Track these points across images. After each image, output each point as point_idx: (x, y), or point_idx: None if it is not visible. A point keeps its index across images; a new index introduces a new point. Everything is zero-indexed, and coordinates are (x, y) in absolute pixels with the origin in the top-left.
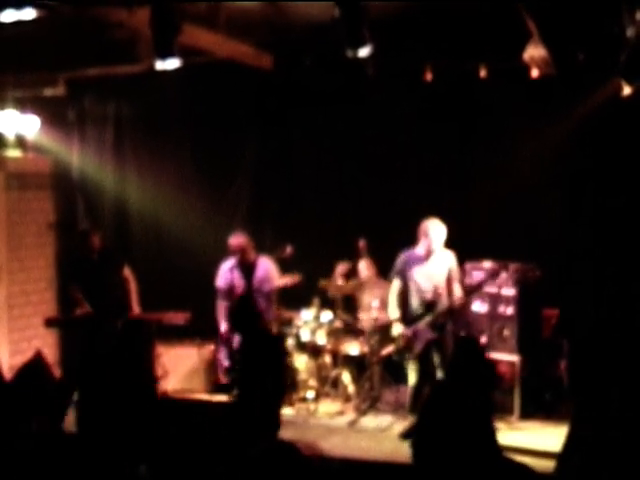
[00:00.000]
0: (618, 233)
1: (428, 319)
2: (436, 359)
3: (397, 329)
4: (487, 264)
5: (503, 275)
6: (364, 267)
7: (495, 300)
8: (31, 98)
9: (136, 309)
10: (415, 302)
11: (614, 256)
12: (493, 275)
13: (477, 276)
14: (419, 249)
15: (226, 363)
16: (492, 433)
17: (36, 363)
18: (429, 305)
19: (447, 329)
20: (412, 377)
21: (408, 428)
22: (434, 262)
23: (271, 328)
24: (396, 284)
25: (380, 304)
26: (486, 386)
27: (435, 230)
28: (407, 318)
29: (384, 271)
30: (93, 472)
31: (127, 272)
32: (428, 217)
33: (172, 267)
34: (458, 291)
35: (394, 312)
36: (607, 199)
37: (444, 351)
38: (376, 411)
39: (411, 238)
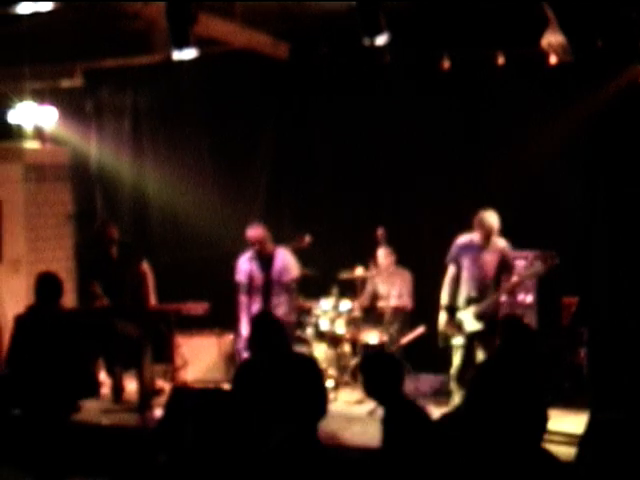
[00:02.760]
0: (636, 222)
1: (475, 310)
2: (479, 352)
3: (442, 317)
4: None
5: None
6: (383, 255)
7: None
8: (49, 89)
9: (153, 302)
10: (465, 290)
11: (633, 245)
12: (547, 267)
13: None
14: (475, 237)
15: (245, 354)
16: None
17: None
18: (476, 296)
19: (493, 320)
20: (456, 359)
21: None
22: (486, 250)
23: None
24: (451, 270)
25: (399, 292)
26: (537, 368)
27: (489, 219)
28: (457, 305)
29: (403, 260)
30: None
31: (145, 267)
32: (484, 207)
33: (190, 257)
34: (508, 282)
35: (444, 298)
36: (625, 187)
37: (488, 342)
38: None
39: (430, 226)
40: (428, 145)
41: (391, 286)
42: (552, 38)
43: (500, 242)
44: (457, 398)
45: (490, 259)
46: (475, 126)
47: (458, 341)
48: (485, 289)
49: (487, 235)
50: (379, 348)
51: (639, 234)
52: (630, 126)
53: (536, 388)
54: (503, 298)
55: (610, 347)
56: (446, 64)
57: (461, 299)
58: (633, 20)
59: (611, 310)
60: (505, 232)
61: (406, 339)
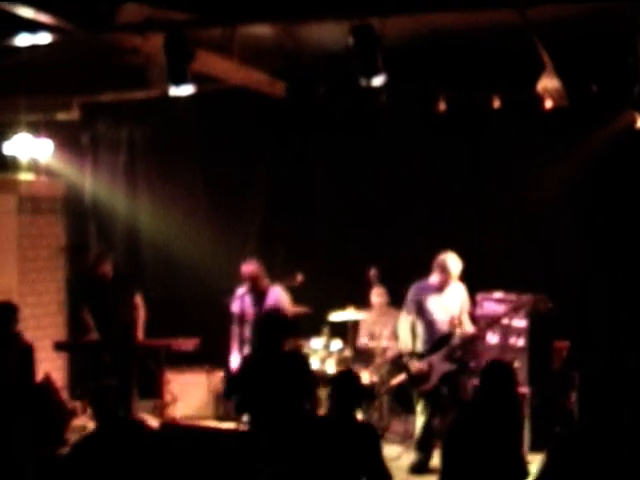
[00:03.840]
0: (633, 267)
1: (444, 351)
2: (447, 393)
3: (412, 362)
4: (498, 295)
5: (523, 310)
6: (376, 295)
7: (506, 331)
8: (45, 122)
9: (140, 336)
10: (430, 334)
11: (628, 290)
12: (516, 309)
13: (488, 307)
14: (433, 280)
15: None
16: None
17: (44, 386)
18: (445, 337)
19: (462, 361)
20: (420, 419)
21: (416, 462)
22: (448, 294)
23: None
24: (409, 316)
25: (391, 333)
26: (516, 414)
27: (452, 263)
28: (421, 350)
29: (395, 300)
30: None
31: (138, 299)
32: (444, 250)
33: (182, 292)
34: (468, 323)
35: (407, 343)
36: (621, 232)
37: (457, 384)
38: (385, 441)
39: (422, 268)
40: (423, 185)
41: (383, 327)
42: (548, 83)
43: (459, 287)
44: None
45: (452, 300)
46: (471, 168)
47: (427, 387)
48: (452, 329)
49: (446, 279)
50: None
51: (635, 279)
52: (627, 171)
53: (515, 437)
54: (494, 341)
55: (602, 392)
56: (442, 106)
57: (426, 342)
58: (628, 65)
59: (604, 355)
60: (497, 274)
61: (396, 380)
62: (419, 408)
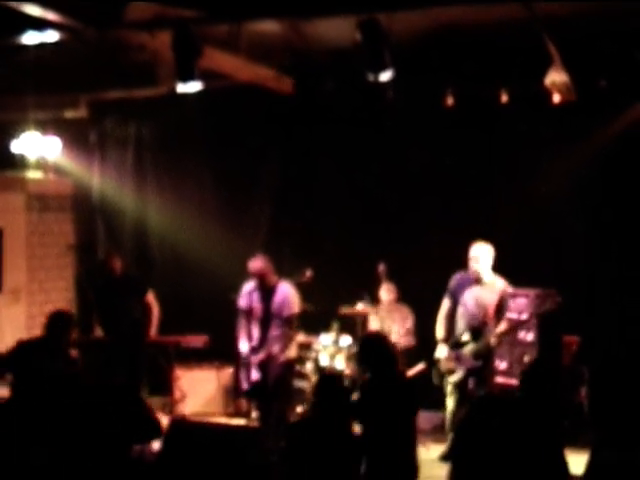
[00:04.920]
0: None
1: (473, 347)
2: (473, 386)
3: (441, 351)
4: (523, 291)
5: (546, 306)
6: (385, 291)
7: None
8: (53, 120)
9: (153, 334)
10: (462, 326)
11: (636, 284)
12: (540, 313)
13: (516, 303)
14: (470, 272)
15: (246, 385)
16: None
17: None
18: (475, 332)
19: (489, 360)
20: (450, 402)
21: (446, 451)
22: (485, 288)
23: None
24: (445, 304)
25: (399, 329)
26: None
27: (478, 253)
28: (452, 341)
29: (404, 295)
30: None
31: (150, 298)
32: (476, 240)
33: (191, 289)
34: (502, 322)
35: (440, 332)
36: (630, 226)
37: (483, 381)
38: None
39: (431, 263)
40: (431, 181)
41: (392, 323)
42: (556, 77)
43: (499, 283)
44: None
45: (488, 294)
46: (479, 163)
47: (454, 378)
48: (482, 325)
49: (477, 269)
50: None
51: None
52: (634, 165)
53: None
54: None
55: (611, 386)
56: (450, 101)
57: (458, 334)
58: (636, 59)
59: (613, 349)
60: (507, 268)
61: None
62: (448, 400)
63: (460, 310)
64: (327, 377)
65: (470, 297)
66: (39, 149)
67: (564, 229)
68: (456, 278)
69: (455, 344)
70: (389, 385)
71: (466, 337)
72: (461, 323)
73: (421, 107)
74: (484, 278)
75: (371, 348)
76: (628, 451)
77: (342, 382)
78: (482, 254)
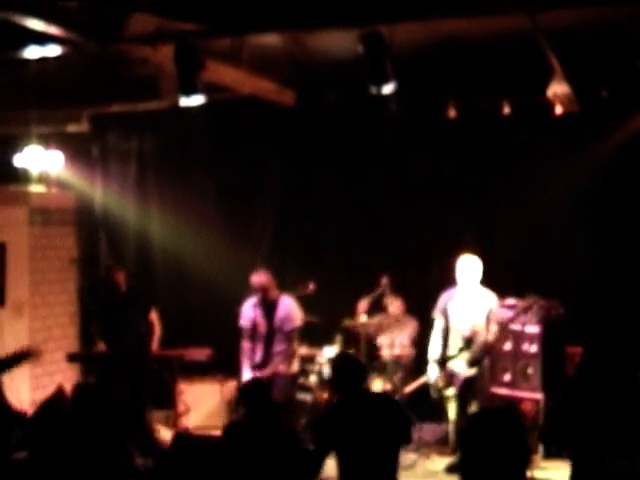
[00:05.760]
0: None
1: (466, 356)
2: (471, 396)
3: (433, 372)
4: (510, 301)
5: (533, 310)
6: (391, 303)
7: (519, 338)
8: (55, 134)
9: (155, 350)
10: (454, 340)
11: (637, 295)
12: (525, 310)
13: (501, 312)
14: (458, 286)
15: None
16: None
17: (57, 399)
18: (467, 342)
19: (483, 366)
20: (451, 413)
21: (452, 463)
22: (473, 301)
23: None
24: (438, 324)
25: (408, 341)
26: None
27: (465, 267)
28: (446, 356)
29: (409, 307)
30: None
31: (154, 316)
32: (461, 254)
33: (194, 303)
34: (491, 332)
35: (433, 352)
36: (631, 237)
37: (479, 388)
38: None
39: (433, 274)
40: (433, 192)
41: (397, 334)
42: (558, 88)
43: (487, 292)
44: None
45: (476, 308)
46: (481, 175)
47: (451, 391)
48: (473, 335)
49: (463, 282)
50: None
51: None
52: (637, 176)
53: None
54: (507, 347)
55: (611, 399)
56: (452, 112)
57: (451, 348)
58: (638, 69)
59: (614, 361)
60: (507, 279)
61: (410, 388)
62: (450, 412)
63: (450, 325)
64: (347, 356)
65: (458, 311)
66: (42, 163)
67: (565, 239)
68: (444, 296)
69: (446, 359)
70: (359, 405)
71: (458, 349)
72: (453, 337)
73: (423, 118)
74: (472, 291)
75: (339, 369)
76: (628, 460)
77: (361, 363)
78: (469, 267)
